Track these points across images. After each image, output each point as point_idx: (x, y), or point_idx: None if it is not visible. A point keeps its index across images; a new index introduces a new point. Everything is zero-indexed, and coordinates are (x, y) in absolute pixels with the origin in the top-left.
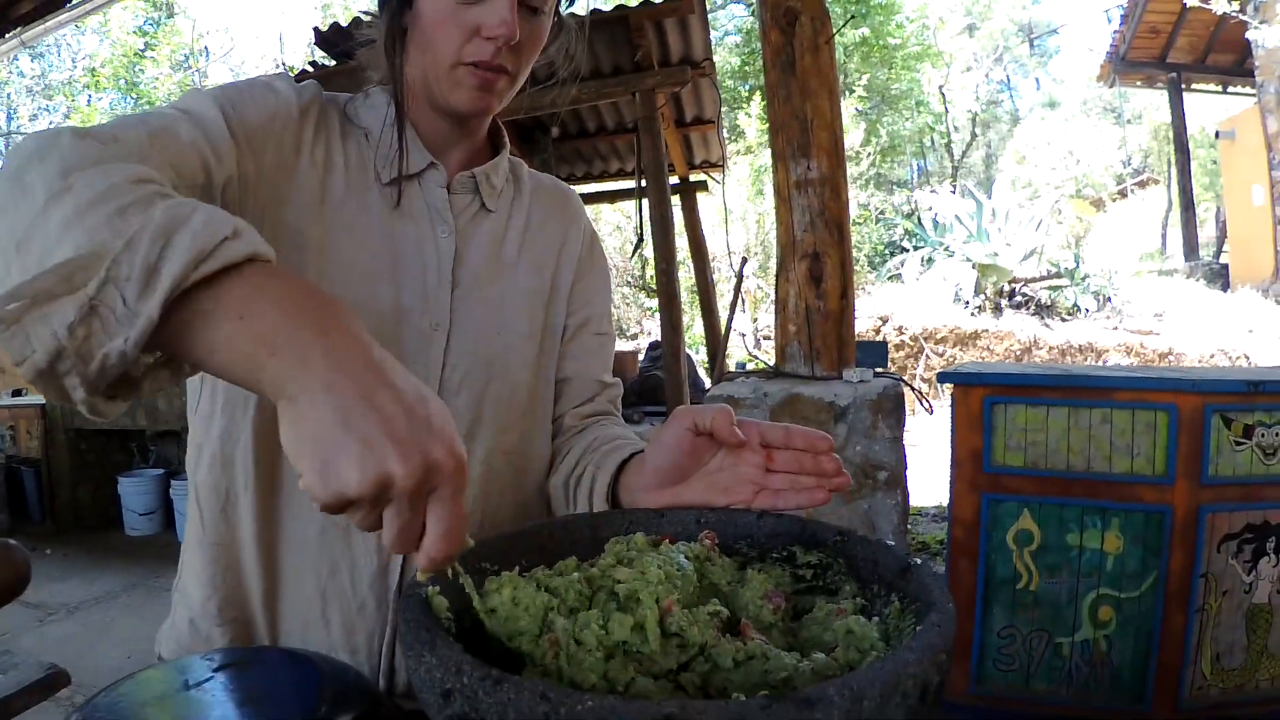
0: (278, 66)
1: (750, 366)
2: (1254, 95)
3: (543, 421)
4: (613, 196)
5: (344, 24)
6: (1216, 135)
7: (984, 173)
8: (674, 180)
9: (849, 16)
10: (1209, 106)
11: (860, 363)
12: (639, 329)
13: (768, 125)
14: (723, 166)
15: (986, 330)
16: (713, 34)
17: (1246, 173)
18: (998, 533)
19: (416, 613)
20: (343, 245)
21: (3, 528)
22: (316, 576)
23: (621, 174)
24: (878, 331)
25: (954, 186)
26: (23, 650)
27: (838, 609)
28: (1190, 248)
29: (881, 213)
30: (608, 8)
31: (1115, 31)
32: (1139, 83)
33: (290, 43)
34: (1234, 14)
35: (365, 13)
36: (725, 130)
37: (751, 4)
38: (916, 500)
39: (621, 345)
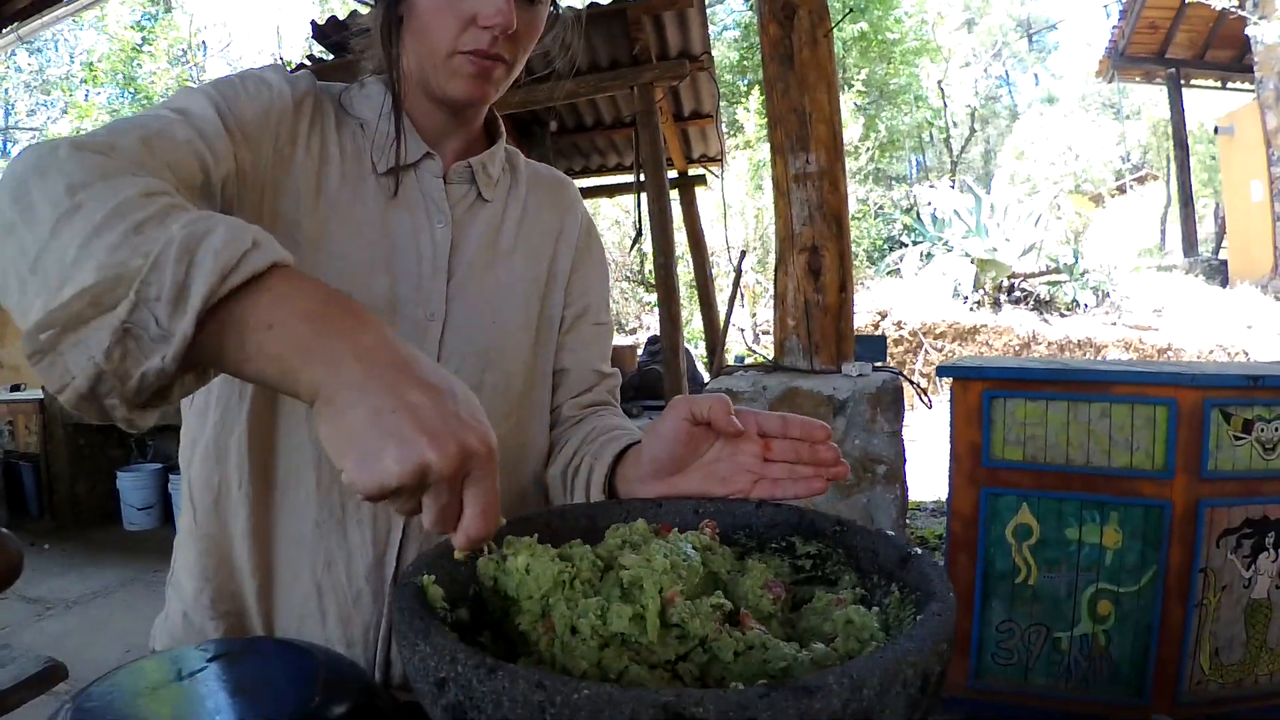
0: (275, 61)
1: (749, 360)
2: (1253, 91)
3: (539, 412)
4: (611, 191)
5: (341, 18)
6: (1215, 131)
7: (983, 168)
8: (672, 174)
9: (847, 10)
10: (1208, 102)
11: (859, 357)
12: (638, 324)
13: (766, 119)
14: (721, 161)
15: (985, 325)
16: (711, 29)
17: (1245, 169)
18: (996, 527)
19: (411, 602)
20: (338, 236)
21: (1, 523)
22: (312, 569)
23: (620, 168)
24: (876, 326)
25: (953, 182)
26: (21, 645)
27: (837, 599)
28: (1189, 244)
29: (880, 208)
30: (605, 1)
31: (1114, 27)
32: (1138, 78)
33: (288, 37)
34: (1233, 10)
35: (362, 1)
36: (724, 125)
37: None
38: (915, 495)
39: (620, 340)
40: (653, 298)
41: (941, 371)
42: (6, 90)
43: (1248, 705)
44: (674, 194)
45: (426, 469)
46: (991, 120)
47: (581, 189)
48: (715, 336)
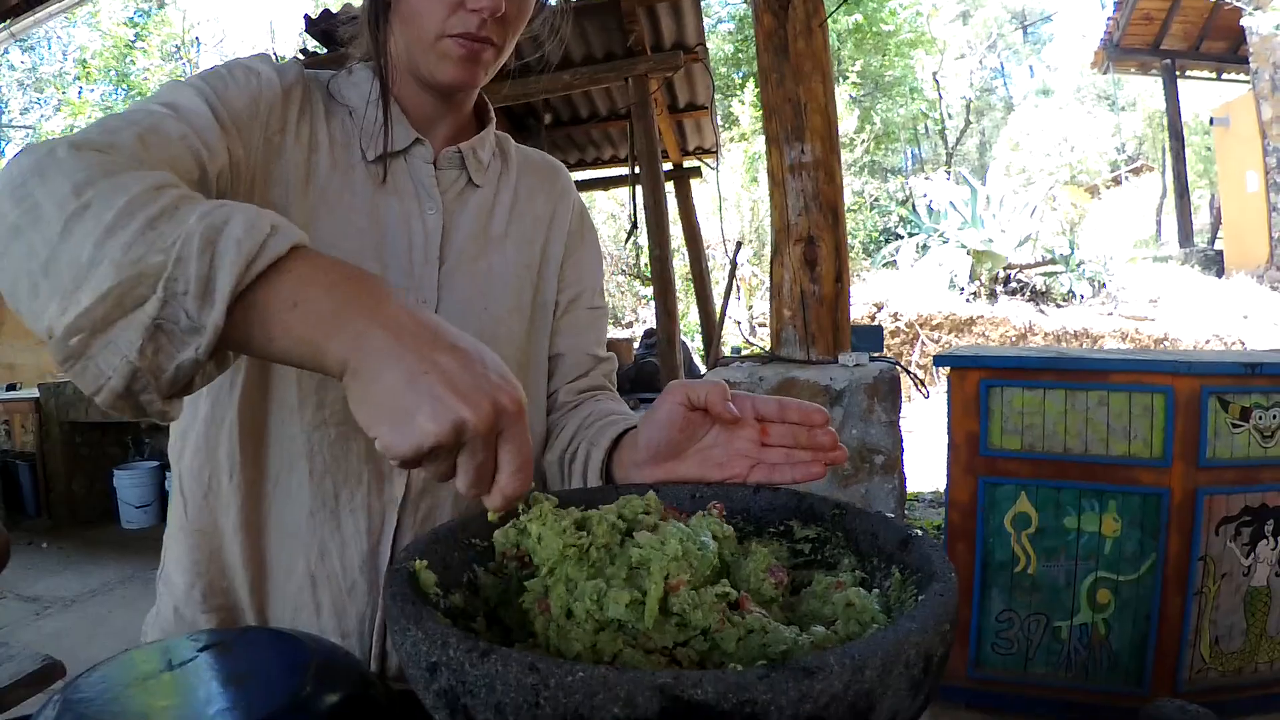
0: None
1: (745, 352)
2: (1248, 82)
3: (535, 398)
4: (606, 184)
5: (334, 10)
6: (1210, 122)
7: (978, 160)
8: (667, 167)
9: (841, 1)
10: (1203, 93)
11: (856, 347)
12: (634, 317)
13: (761, 111)
14: (716, 152)
15: (982, 316)
16: (705, 21)
17: (1241, 159)
18: (995, 516)
19: (403, 587)
20: (328, 224)
21: None
22: (306, 560)
23: (615, 160)
24: (872, 318)
25: (948, 174)
26: (19, 643)
27: (837, 582)
28: (1185, 234)
29: (876, 199)
30: None
31: (1109, 18)
32: (1133, 70)
33: (281, 31)
34: (1227, 1)
35: None
36: (719, 117)
37: None
38: (913, 485)
39: (617, 333)
40: (648, 291)
41: (939, 361)
42: None
43: (1248, 693)
44: (669, 186)
45: (462, 426)
46: (987, 112)
47: (576, 182)
48: (711, 329)
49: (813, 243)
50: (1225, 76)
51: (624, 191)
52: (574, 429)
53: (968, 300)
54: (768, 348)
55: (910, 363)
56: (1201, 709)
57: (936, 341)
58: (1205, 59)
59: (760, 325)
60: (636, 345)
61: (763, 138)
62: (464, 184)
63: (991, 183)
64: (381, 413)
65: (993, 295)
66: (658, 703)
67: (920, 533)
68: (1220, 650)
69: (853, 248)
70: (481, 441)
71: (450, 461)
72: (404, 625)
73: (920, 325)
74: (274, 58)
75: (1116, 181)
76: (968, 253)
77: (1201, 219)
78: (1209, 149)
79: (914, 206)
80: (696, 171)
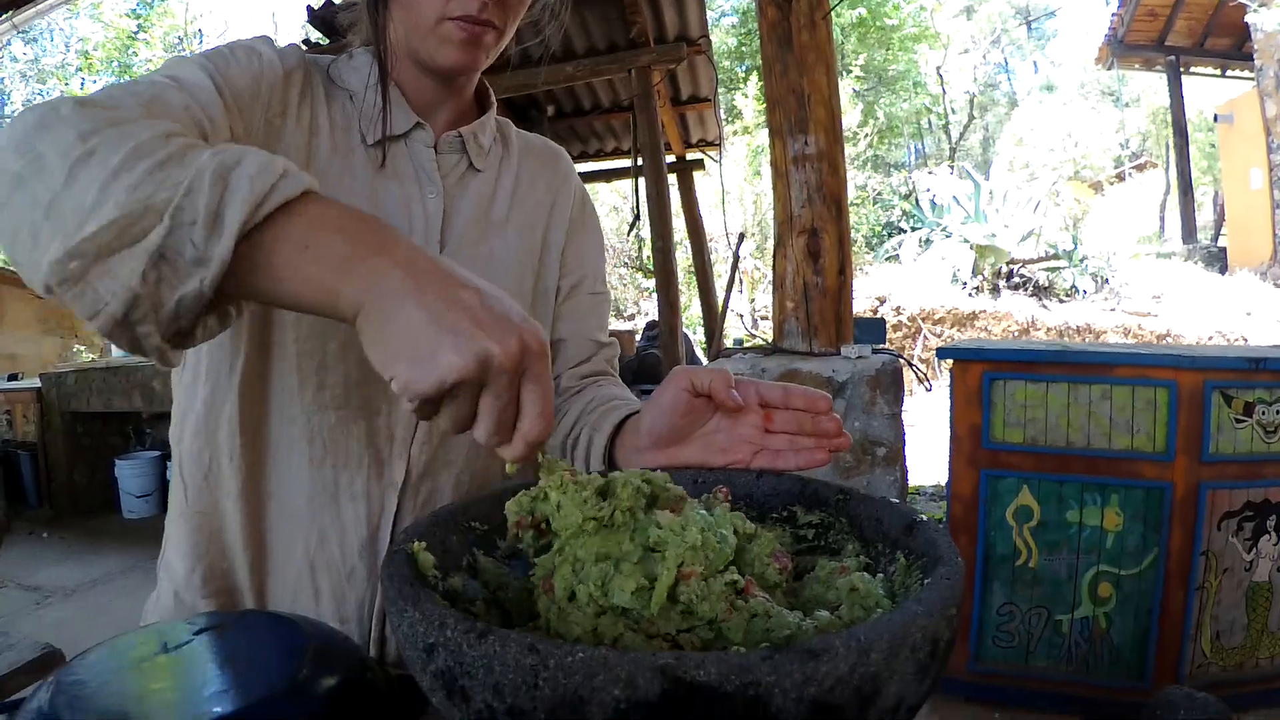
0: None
1: (748, 344)
2: (1252, 79)
3: None
4: (609, 176)
5: (337, 1)
6: (1215, 119)
7: (982, 155)
8: (670, 159)
9: None
10: (1207, 90)
11: (858, 340)
12: (636, 310)
13: (765, 103)
14: (719, 145)
15: (984, 311)
16: (709, 14)
17: (1245, 156)
18: (997, 509)
19: (401, 568)
20: None
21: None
22: (305, 545)
23: (618, 153)
24: (875, 312)
25: (952, 168)
26: (20, 633)
27: (841, 567)
28: (1188, 231)
29: (879, 194)
30: None
31: (1113, 14)
32: (1137, 66)
33: (283, 23)
34: None
35: None
36: (722, 111)
37: None
38: (915, 479)
39: (619, 325)
40: (651, 283)
41: (942, 353)
42: (2, 80)
43: (1249, 688)
44: (672, 179)
45: (488, 360)
46: (990, 107)
47: (579, 174)
48: (713, 321)
49: (816, 234)
50: (1230, 73)
51: (627, 184)
52: (576, 414)
53: (970, 295)
54: (770, 340)
55: (912, 357)
56: (1210, 697)
57: (939, 336)
58: (1210, 55)
59: (763, 318)
60: (639, 337)
61: (766, 131)
62: (465, 168)
63: (995, 177)
64: (401, 349)
65: (995, 290)
66: (659, 684)
67: (925, 518)
68: (1221, 645)
69: (855, 242)
70: (506, 380)
71: (471, 403)
72: (401, 606)
73: (922, 319)
74: (271, 39)
75: (1120, 177)
76: (971, 247)
77: (1205, 216)
78: (1213, 146)
79: (917, 201)
80: (699, 164)
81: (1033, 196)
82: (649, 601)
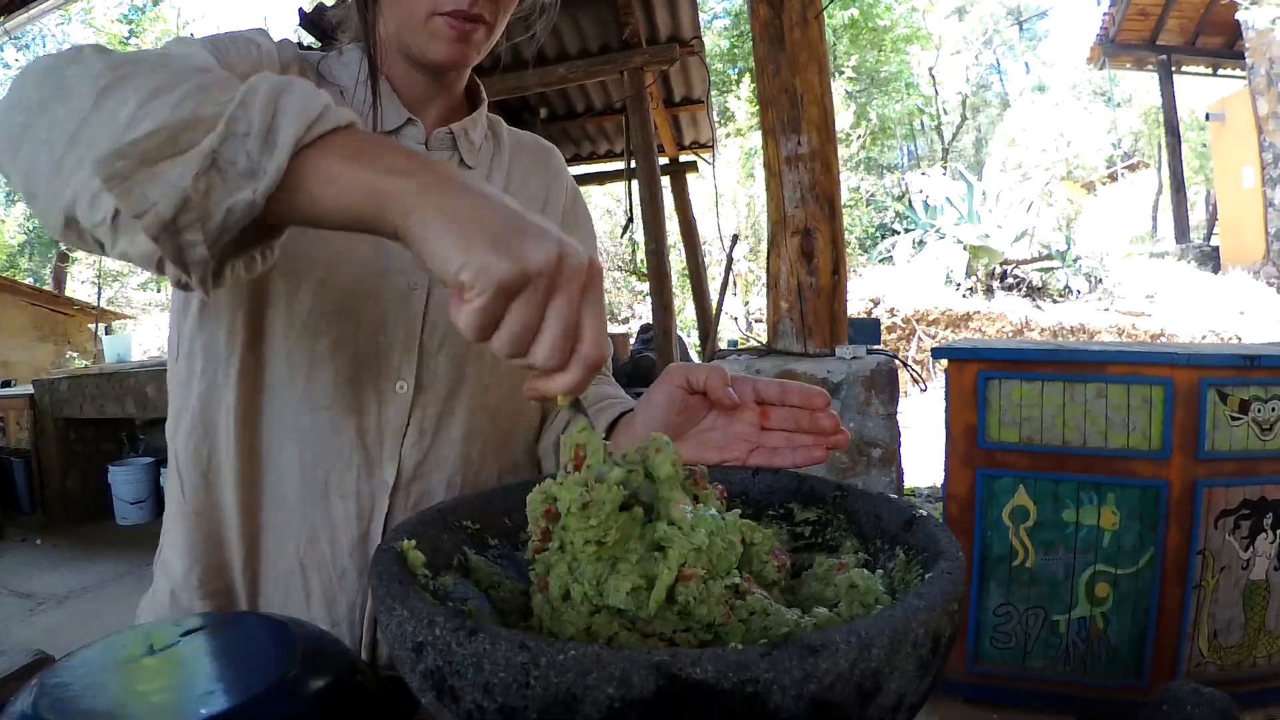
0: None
1: (741, 346)
2: (1244, 77)
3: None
4: (602, 179)
5: (328, 3)
6: (1207, 118)
7: (974, 156)
8: (663, 161)
9: None
10: (1199, 89)
11: (853, 340)
12: (630, 313)
13: (757, 104)
14: (713, 147)
15: (978, 312)
16: (701, 16)
17: (1237, 155)
18: (993, 509)
19: (390, 566)
20: None
21: None
22: (296, 545)
23: (611, 155)
24: (869, 313)
25: (945, 169)
26: (12, 640)
27: (839, 563)
28: (1181, 230)
29: (872, 195)
30: None
31: (1105, 14)
32: (1129, 65)
33: (275, 28)
34: None
35: None
36: (715, 113)
37: None
38: (911, 480)
39: (613, 328)
40: (644, 286)
41: (937, 353)
42: None
43: (1246, 687)
44: (665, 181)
45: (564, 258)
46: (983, 108)
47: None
48: (707, 324)
49: (810, 234)
50: (1221, 72)
51: (620, 186)
52: (569, 413)
53: (964, 296)
54: (764, 341)
55: (907, 358)
56: (1217, 691)
57: (933, 337)
58: (1201, 54)
59: (757, 320)
60: (633, 340)
61: (758, 133)
62: (455, 165)
63: (988, 178)
64: (477, 235)
65: (989, 291)
66: (654, 682)
67: (925, 513)
68: (1219, 644)
69: (849, 244)
70: (576, 288)
71: (540, 307)
72: (390, 605)
73: (916, 321)
74: (267, 31)
75: (1113, 177)
76: (964, 248)
77: (1198, 215)
78: (1205, 145)
79: (910, 202)
80: (692, 166)
81: (1025, 197)
82: (645, 601)
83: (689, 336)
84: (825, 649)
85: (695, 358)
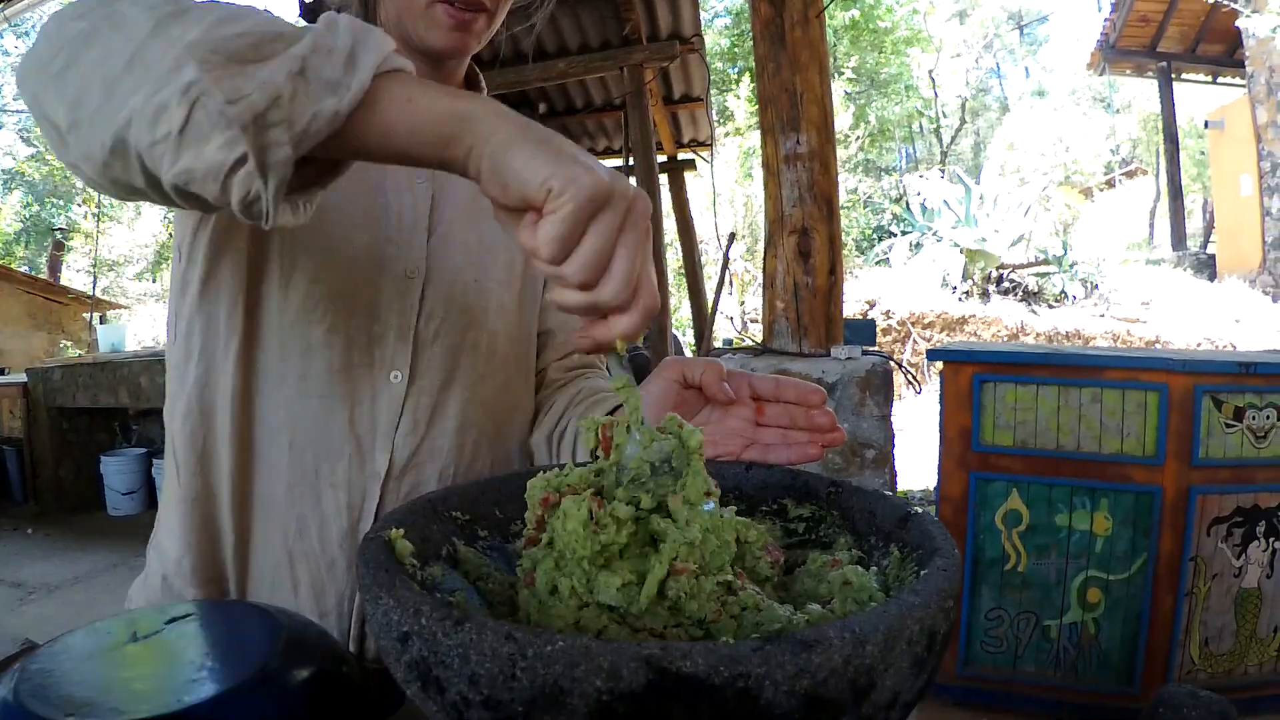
0: None
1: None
2: (1244, 86)
3: (523, 374)
4: None
5: None
6: (1205, 125)
7: (973, 160)
8: (662, 158)
9: None
10: (1198, 96)
11: (848, 341)
12: None
13: (757, 103)
14: (711, 145)
15: (974, 315)
16: (702, 15)
17: (1235, 163)
18: (986, 513)
19: (377, 555)
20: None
21: None
22: (284, 536)
23: (609, 152)
24: (865, 315)
25: (942, 172)
26: (2, 629)
27: (832, 560)
28: (1178, 237)
29: (870, 197)
30: None
31: (1105, 20)
32: (1128, 72)
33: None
34: (1225, 3)
35: None
36: (714, 112)
37: None
38: (904, 483)
39: None
40: None
41: (932, 355)
42: None
43: (1237, 695)
44: (663, 179)
45: (637, 195)
46: (982, 112)
47: None
48: (703, 322)
49: (807, 234)
50: (1221, 80)
51: None
52: (563, 407)
53: (960, 299)
54: (760, 341)
55: (902, 361)
56: (1214, 695)
57: (928, 340)
58: (1201, 62)
59: (752, 320)
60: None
61: (757, 132)
62: None
63: (985, 182)
64: (561, 153)
65: (985, 295)
66: (644, 675)
67: (920, 510)
68: (1210, 651)
69: (846, 245)
70: (643, 230)
71: (616, 230)
72: (376, 593)
73: (912, 323)
74: None
75: (1110, 183)
76: (961, 251)
77: (1195, 223)
78: (1203, 152)
79: (908, 204)
80: (691, 164)
81: (1023, 201)
82: (636, 596)
83: (684, 335)
84: (819, 644)
85: (690, 356)
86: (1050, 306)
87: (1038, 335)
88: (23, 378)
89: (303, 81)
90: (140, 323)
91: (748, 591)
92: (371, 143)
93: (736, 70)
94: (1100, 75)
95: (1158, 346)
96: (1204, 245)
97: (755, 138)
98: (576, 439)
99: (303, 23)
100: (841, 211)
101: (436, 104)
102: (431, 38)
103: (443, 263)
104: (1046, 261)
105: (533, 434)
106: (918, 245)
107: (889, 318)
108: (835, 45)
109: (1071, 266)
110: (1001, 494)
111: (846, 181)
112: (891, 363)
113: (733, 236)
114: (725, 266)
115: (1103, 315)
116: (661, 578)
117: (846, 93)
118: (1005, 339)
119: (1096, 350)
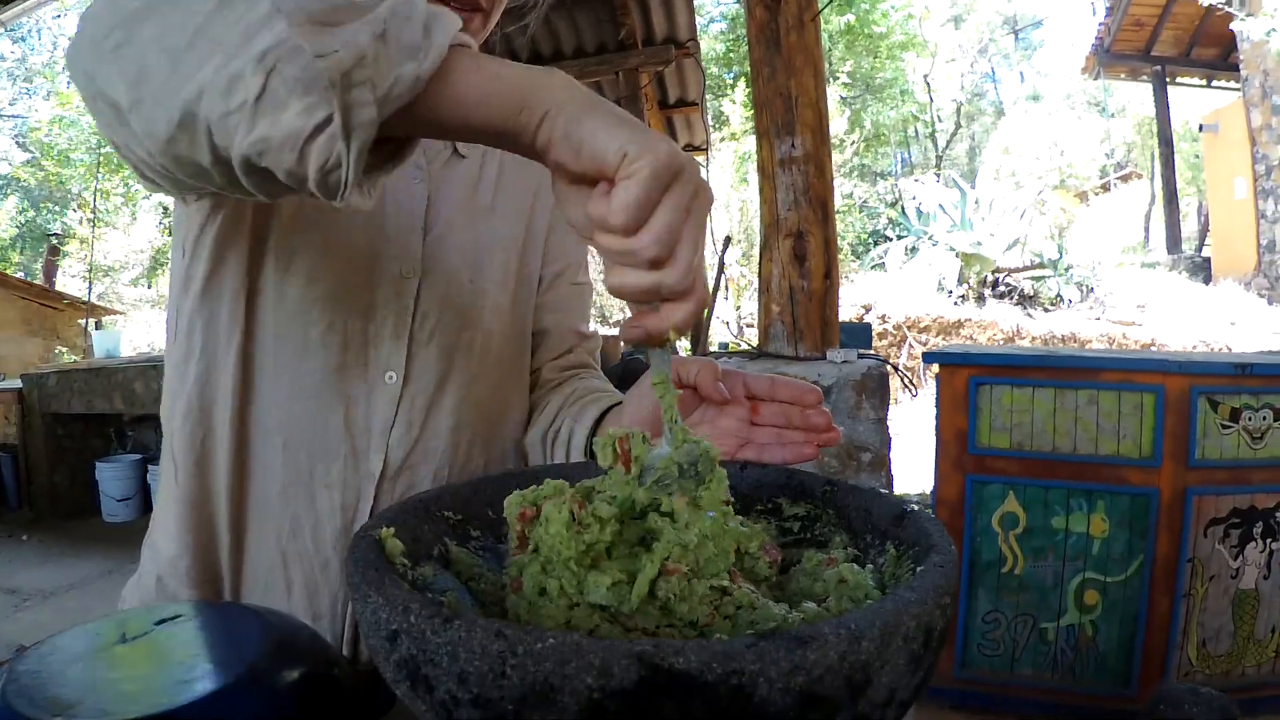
0: None
1: (732, 349)
2: (1238, 89)
3: (517, 373)
4: None
5: None
6: (1200, 128)
7: (968, 164)
8: None
9: None
10: (1193, 100)
11: (844, 344)
12: (621, 315)
13: (752, 107)
14: (706, 150)
15: (970, 319)
16: (697, 19)
17: (1229, 166)
18: (983, 516)
19: (366, 553)
20: None
21: None
22: (278, 536)
23: None
24: (860, 319)
25: (938, 176)
26: None
27: (828, 558)
28: (1173, 241)
29: (865, 202)
30: None
31: (1100, 24)
32: (1123, 75)
33: None
34: (1220, 6)
35: None
36: (709, 117)
37: None
38: (900, 486)
39: (604, 331)
40: None
41: (928, 357)
42: None
43: (1235, 696)
44: None
45: (705, 181)
46: (977, 117)
47: None
48: (698, 326)
49: (802, 237)
50: (1215, 83)
51: None
52: (557, 406)
53: (956, 303)
54: (755, 345)
55: (898, 364)
56: (1215, 691)
57: (924, 344)
58: (1196, 65)
59: (748, 325)
60: (623, 343)
61: (752, 137)
62: (449, 154)
63: (981, 186)
64: (635, 124)
65: (981, 298)
66: (635, 672)
67: (916, 508)
68: (1208, 653)
69: (841, 249)
70: (704, 215)
71: (684, 213)
72: (365, 591)
73: (908, 327)
74: None
75: (1105, 187)
76: (956, 255)
77: (1190, 226)
78: (1198, 156)
79: (903, 208)
80: None
81: (1018, 205)
82: (627, 596)
83: (680, 340)
84: (814, 640)
85: None
86: (1046, 310)
87: (1033, 339)
88: (18, 383)
89: (384, 45)
90: (135, 328)
91: (742, 590)
92: (444, 111)
93: (732, 75)
94: (1095, 79)
95: (1153, 349)
96: (1199, 248)
97: (750, 143)
98: (570, 439)
99: None
100: (837, 216)
101: (509, 72)
102: None
103: (439, 263)
104: (1042, 265)
105: (527, 434)
106: (913, 249)
107: (885, 322)
108: (830, 50)
109: (1067, 270)
110: (998, 496)
111: (842, 186)
112: (887, 366)
113: (728, 241)
114: (721, 271)
115: (1098, 318)
116: (653, 577)
117: (842, 97)
118: (1001, 342)
119: (1092, 352)
